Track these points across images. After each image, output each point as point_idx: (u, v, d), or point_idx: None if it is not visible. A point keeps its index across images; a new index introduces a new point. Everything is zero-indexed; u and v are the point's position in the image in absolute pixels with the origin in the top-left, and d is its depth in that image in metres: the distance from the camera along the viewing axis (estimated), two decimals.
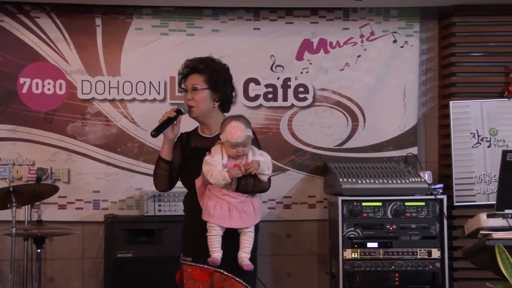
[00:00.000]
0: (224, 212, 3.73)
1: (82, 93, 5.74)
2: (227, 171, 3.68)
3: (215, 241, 3.72)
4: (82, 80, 5.74)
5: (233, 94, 4.03)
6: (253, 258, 3.80)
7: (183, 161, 3.94)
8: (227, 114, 3.95)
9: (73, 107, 5.75)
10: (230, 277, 3.77)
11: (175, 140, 3.95)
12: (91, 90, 5.75)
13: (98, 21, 5.77)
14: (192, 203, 3.88)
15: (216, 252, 3.71)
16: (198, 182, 3.80)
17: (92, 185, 5.73)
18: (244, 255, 3.75)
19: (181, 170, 3.95)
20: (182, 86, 3.96)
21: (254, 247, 3.82)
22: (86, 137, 5.75)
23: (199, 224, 3.78)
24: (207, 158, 3.74)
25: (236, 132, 3.68)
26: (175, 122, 3.86)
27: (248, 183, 3.76)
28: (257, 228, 3.85)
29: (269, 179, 3.82)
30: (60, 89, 5.74)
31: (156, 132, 3.79)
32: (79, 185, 5.73)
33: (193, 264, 3.83)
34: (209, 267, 3.77)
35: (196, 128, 4.00)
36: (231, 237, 3.75)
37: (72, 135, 5.74)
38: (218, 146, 3.77)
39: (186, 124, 4.00)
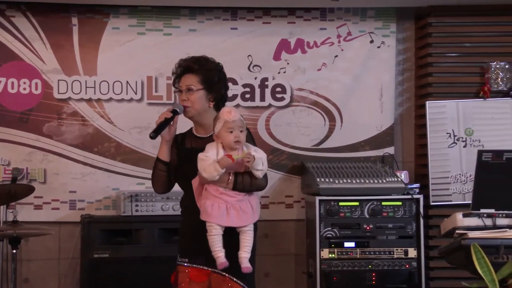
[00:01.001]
0: (222, 211, 3.70)
1: (58, 93, 5.71)
2: (217, 161, 3.65)
3: (216, 241, 3.68)
4: (58, 80, 5.71)
5: (227, 92, 4.02)
6: (252, 258, 3.77)
7: (179, 162, 3.92)
8: None
9: (49, 106, 5.71)
10: (228, 278, 3.75)
11: (176, 142, 3.91)
12: (67, 90, 5.71)
13: (75, 20, 5.73)
14: (188, 204, 3.86)
15: (220, 253, 3.67)
16: (195, 182, 3.78)
17: (68, 185, 5.70)
18: (244, 256, 3.71)
19: (177, 171, 3.93)
20: (176, 86, 3.93)
21: (253, 247, 3.78)
22: (62, 137, 5.72)
23: (195, 225, 3.76)
24: (200, 154, 3.71)
25: (231, 111, 3.70)
26: (171, 123, 3.83)
27: (245, 181, 3.74)
28: (255, 227, 3.82)
29: (266, 176, 3.81)
30: (36, 89, 5.70)
31: (154, 134, 3.75)
32: (55, 185, 5.69)
33: (190, 265, 3.81)
34: (207, 268, 3.76)
35: (191, 129, 3.97)
36: (228, 237, 3.72)
37: (48, 135, 5.70)
38: (213, 143, 3.75)
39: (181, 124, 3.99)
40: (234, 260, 3.71)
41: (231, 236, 3.73)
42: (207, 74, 3.87)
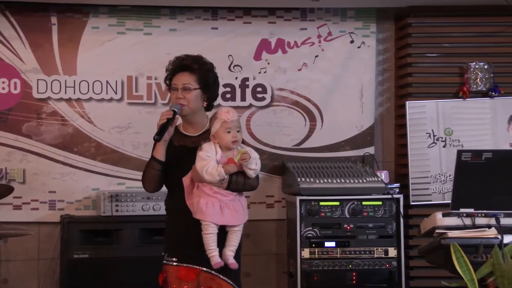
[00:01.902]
0: (216, 209, 3.74)
1: (38, 92, 5.67)
2: (222, 166, 3.70)
3: (211, 240, 3.73)
4: (38, 79, 5.67)
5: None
6: (237, 256, 3.84)
7: (167, 160, 3.91)
8: (208, 113, 3.98)
9: (29, 106, 5.67)
10: (217, 276, 3.79)
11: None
12: (46, 89, 5.68)
13: (54, 19, 5.70)
14: (175, 202, 3.89)
15: (215, 252, 3.73)
16: (186, 180, 3.80)
17: (48, 185, 5.66)
18: (229, 253, 3.77)
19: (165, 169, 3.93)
20: (168, 83, 3.95)
21: (238, 246, 3.86)
22: (41, 137, 5.68)
23: (183, 224, 3.81)
24: (201, 153, 3.73)
25: (230, 111, 3.77)
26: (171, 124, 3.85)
27: (238, 181, 3.80)
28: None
29: (257, 177, 3.88)
30: (15, 88, 5.66)
31: (159, 136, 3.76)
32: (34, 185, 5.65)
33: (179, 265, 3.83)
34: (196, 267, 3.79)
35: (176, 127, 3.96)
36: (218, 236, 3.77)
37: (27, 135, 5.66)
38: (210, 143, 3.78)
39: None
40: (222, 258, 3.77)
41: (220, 236, 3.78)
42: (204, 74, 3.93)
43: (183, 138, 3.94)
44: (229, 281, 3.82)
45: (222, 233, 3.80)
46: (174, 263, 3.84)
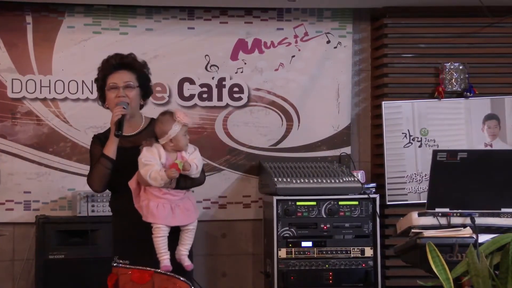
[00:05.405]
0: (168, 211, 3.73)
1: (12, 92, 5.63)
2: (165, 171, 3.69)
3: (162, 243, 3.71)
4: (12, 79, 5.63)
5: None
6: (189, 255, 3.82)
7: None
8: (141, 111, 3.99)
9: (3, 106, 5.63)
10: (172, 276, 3.75)
11: (100, 141, 3.89)
12: (21, 89, 5.64)
13: (29, 18, 5.66)
14: (120, 205, 3.86)
15: (165, 255, 3.71)
16: (132, 184, 3.77)
17: (23, 186, 5.63)
18: (184, 253, 3.77)
19: None
20: (102, 82, 3.90)
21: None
22: (16, 137, 5.64)
23: (131, 226, 3.77)
24: (143, 160, 3.71)
25: (187, 114, 3.80)
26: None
27: (186, 181, 3.79)
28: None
29: (203, 171, 3.88)
30: None
31: (121, 132, 3.74)
32: (9, 185, 5.61)
33: (132, 267, 3.78)
34: (150, 269, 3.74)
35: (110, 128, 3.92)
36: (170, 236, 3.74)
37: (2, 135, 5.62)
38: (151, 147, 3.75)
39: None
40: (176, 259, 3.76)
41: (173, 235, 3.76)
42: (142, 71, 3.92)
43: (122, 138, 3.84)
44: (184, 279, 3.76)
45: (175, 233, 3.77)
46: (127, 266, 3.79)
